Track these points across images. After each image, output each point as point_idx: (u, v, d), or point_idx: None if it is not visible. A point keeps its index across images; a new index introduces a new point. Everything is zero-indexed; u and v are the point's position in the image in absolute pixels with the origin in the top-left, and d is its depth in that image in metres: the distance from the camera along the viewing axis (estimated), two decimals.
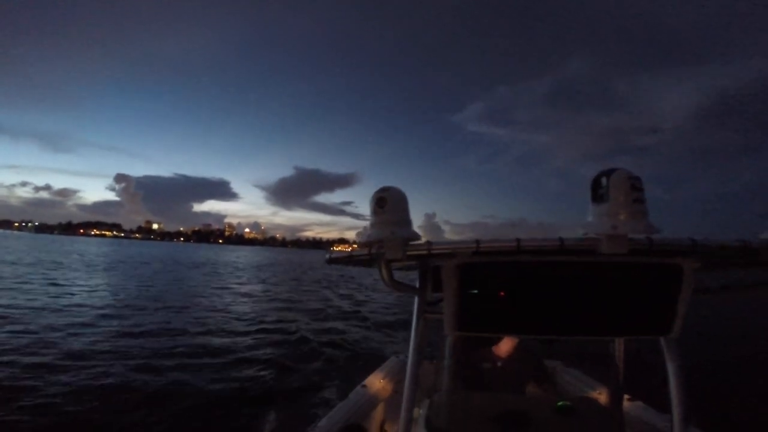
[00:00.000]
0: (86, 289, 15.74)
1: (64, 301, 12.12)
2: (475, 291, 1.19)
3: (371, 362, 5.59)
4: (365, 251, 1.14)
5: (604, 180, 0.99)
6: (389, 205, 1.06)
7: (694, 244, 0.99)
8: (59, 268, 24.52)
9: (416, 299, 1.42)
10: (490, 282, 1.18)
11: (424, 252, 1.07)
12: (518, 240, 1.00)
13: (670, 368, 1.41)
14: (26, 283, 16.04)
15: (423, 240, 1.10)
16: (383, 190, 1.09)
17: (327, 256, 1.40)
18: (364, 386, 3.18)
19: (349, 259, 1.33)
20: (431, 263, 1.37)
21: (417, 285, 1.44)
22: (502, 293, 1.17)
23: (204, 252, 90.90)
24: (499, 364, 2.59)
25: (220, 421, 4.70)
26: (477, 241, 1.03)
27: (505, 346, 2.62)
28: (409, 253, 1.06)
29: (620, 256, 1.01)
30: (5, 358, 6.35)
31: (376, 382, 3.30)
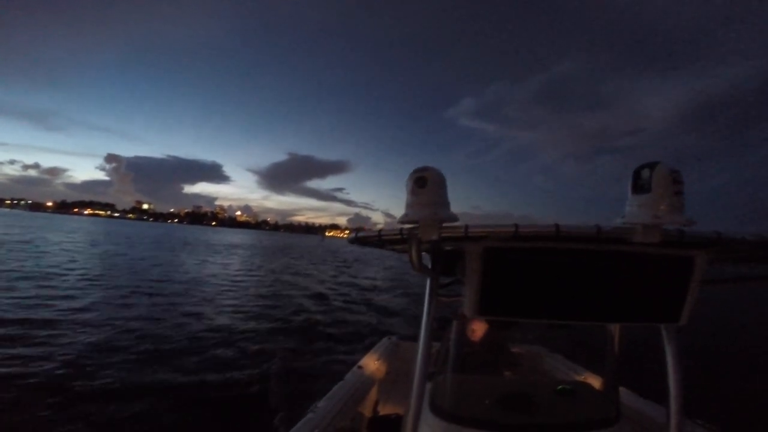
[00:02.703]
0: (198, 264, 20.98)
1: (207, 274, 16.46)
2: (500, 275, 1.20)
3: (366, 341, 6.93)
4: (396, 231, 1.12)
5: (646, 172, 1.01)
6: (429, 185, 1.03)
7: (718, 237, 1.03)
8: (135, 246, 31.03)
9: (428, 281, 1.39)
10: (515, 267, 1.19)
11: (461, 234, 1.05)
12: (557, 225, 1.00)
13: (669, 357, 1.41)
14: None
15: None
16: (423, 169, 1.05)
17: (351, 236, 1.37)
18: (360, 367, 3.29)
19: (376, 240, 1.30)
20: (445, 246, 1.36)
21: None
22: (526, 278, 1.20)
23: (212, 235, 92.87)
24: (476, 348, 2.62)
25: (217, 405, 4.62)
26: (515, 225, 1.01)
27: (479, 331, 2.63)
28: (444, 235, 1.04)
29: (645, 246, 1.06)
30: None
31: (371, 364, 3.40)
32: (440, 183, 1.06)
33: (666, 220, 0.98)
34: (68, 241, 29.28)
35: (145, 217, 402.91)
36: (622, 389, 2.30)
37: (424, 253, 1.34)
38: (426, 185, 1.03)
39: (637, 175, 1.04)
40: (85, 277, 12.85)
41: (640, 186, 1.03)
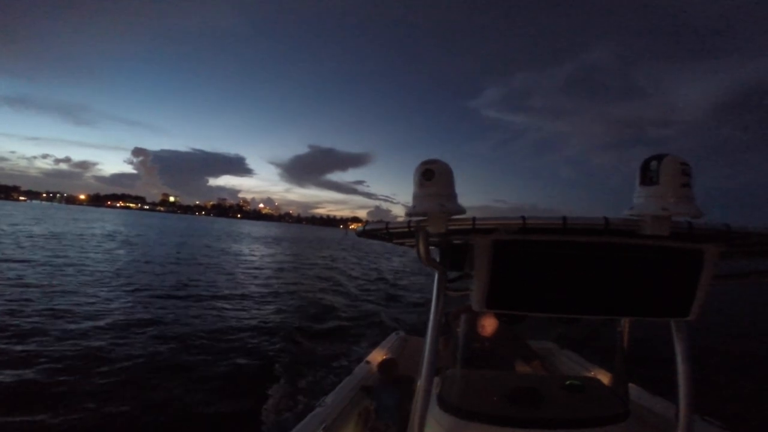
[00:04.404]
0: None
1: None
2: (509, 268, 1.20)
3: (373, 336, 7.20)
4: (403, 224, 1.12)
5: (654, 164, 1.00)
6: (436, 177, 1.03)
7: (728, 230, 1.02)
8: (239, 242, 34.83)
9: (437, 275, 1.39)
10: (524, 260, 1.19)
11: (469, 227, 1.06)
12: (564, 218, 1.01)
13: (679, 352, 1.40)
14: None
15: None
16: (430, 162, 1.05)
17: (359, 229, 1.36)
18: (368, 362, 3.29)
19: (384, 233, 1.30)
20: (453, 240, 1.37)
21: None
22: (535, 271, 1.20)
23: (245, 227, 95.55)
24: (487, 343, 2.60)
25: (227, 396, 4.65)
26: (523, 218, 1.01)
27: (490, 327, 2.61)
28: (451, 227, 1.05)
29: (654, 239, 1.05)
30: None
31: (379, 358, 3.39)
32: (448, 175, 1.06)
33: (674, 212, 0.97)
34: (140, 234, 32.21)
35: (173, 210, 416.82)
36: (631, 385, 2.28)
37: (432, 248, 1.33)
38: (433, 178, 1.03)
39: (645, 166, 1.03)
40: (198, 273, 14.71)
41: (648, 178, 1.02)
